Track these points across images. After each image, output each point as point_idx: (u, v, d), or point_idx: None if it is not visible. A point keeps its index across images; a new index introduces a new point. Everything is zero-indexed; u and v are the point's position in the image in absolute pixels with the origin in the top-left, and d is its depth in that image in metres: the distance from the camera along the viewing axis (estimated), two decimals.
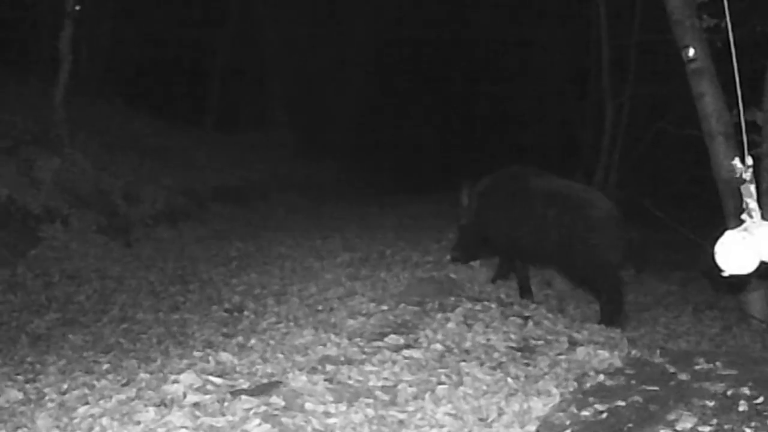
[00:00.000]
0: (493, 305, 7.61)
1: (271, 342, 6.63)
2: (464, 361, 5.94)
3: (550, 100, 23.68)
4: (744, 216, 3.43)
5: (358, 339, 6.46)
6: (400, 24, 25.11)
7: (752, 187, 3.42)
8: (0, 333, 7.98)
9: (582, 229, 8.13)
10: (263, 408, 4.81)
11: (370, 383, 5.44)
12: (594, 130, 16.93)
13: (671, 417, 4.72)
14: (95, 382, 5.81)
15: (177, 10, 20.07)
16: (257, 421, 4.62)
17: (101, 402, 5.16)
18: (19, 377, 6.45)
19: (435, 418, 4.95)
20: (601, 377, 5.60)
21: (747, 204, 3.42)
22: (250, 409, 4.81)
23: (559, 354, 6.22)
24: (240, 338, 6.90)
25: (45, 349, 7.36)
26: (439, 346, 6.26)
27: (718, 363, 5.67)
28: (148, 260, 11.28)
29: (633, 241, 8.38)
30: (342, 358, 5.95)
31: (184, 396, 5.05)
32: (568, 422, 4.87)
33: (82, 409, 5.07)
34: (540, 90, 24.10)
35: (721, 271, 3.45)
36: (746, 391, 5.00)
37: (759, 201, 3.48)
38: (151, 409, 4.87)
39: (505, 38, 24.15)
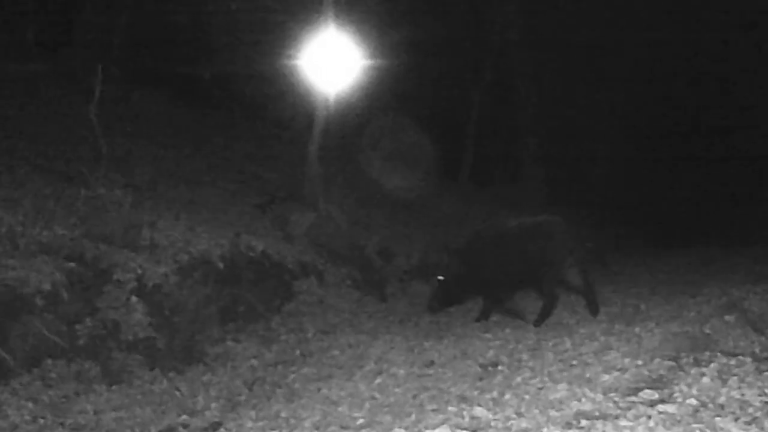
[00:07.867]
0: (748, 360, 7.28)
1: (526, 397, 6.60)
2: (719, 416, 5.72)
3: None
4: None
5: (613, 394, 6.39)
6: (657, 81, 24.79)
7: None
8: (255, 388, 8.19)
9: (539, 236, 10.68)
10: None
11: None
12: None
13: None
14: None
15: (429, 65, 20.28)
16: None
17: None
18: None
19: None
20: None
21: None
22: None
23: None
24: (494, 393, 6.85)
25: (299, 404, 7.43)
26: (693, 401, 6.07)
27: None
28: (402, 315, 11.41)
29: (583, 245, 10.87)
30: (597, 413, 5.90)
31: None
32: None
33: None
34: None
35: None
36: None
37: None
38: None
39: (756, 94, 23.49)
